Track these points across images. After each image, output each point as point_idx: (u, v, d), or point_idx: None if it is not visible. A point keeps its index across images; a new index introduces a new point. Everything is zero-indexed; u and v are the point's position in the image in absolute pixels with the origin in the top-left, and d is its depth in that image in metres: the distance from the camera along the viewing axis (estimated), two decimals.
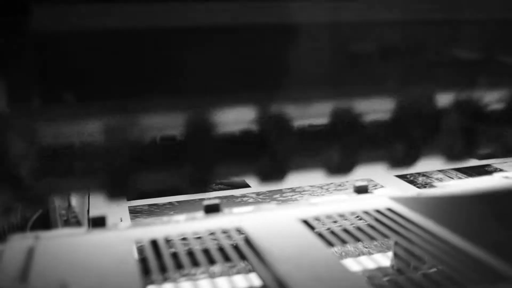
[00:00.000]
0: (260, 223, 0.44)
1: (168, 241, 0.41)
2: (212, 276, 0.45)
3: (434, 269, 0.40)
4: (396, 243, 0.42)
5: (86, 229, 0.44)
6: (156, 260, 0.39)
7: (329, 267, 0.36)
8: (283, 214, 0.46)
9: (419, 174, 0.84)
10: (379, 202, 0.48)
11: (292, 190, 0.76)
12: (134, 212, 0.67)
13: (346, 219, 0.45)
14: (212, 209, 0.47)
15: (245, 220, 0.44)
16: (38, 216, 0.56)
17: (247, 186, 0.80)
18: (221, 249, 0.41)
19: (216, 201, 0.47)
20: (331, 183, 0.77)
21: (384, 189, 0.55)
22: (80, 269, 0.36)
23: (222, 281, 0.44)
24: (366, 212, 0.46)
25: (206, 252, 0.41)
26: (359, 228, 0.43)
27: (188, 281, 0.42)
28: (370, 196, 0.50)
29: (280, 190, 0.76)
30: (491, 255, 0.36)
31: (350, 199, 0.49)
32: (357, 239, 0.42)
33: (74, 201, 0.57)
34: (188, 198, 0.75)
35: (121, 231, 0.43)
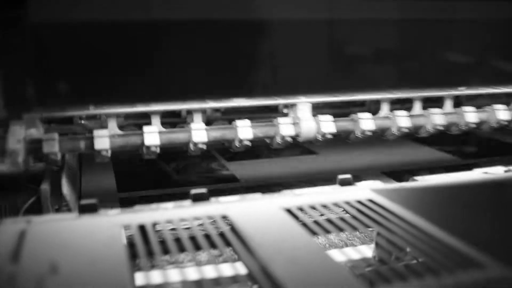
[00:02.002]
0: (245, 211, 0.45)
1: (155, 225, 0.43)
2: (199, 264, 0.47)
3: (414, 260, 0.42)
4: (378, 233, 0.44)
5: (76, 215, 0.45)
6: (143, 244, 0.40)
7: (310, 252, 0.38)
8: (267, 203, 0.47)
9: (406, 171, 0.86)
10: (361, 193, 0.50)
11: (280, 184, 0.78)
12: (126, 203, 0.68)
13: (328, 209, 0.47)
14: (199, 198, 0.48)
15: (231, 208, 0.46)
16: (30, 205, 0.58)
17: (236, 180, 0.82)
18: (207, 236, 0.43)
19: (203, 190, 0.49)
20: (318, 178, 0.78)
21: (367, 182, 0.57)
22: (70, 251, 0.38)
23: (208, 269, 0.46)
24: (348, 203, 0.47)
25: (192, 238, 0.43)
26: (341, 218, 0.45)
27: (173, 266, 0.44)
28: (353, 188, 0.52)
29: (268, 184, 0.78)
30: (464, 243, 0.38)
31: (333, 191, 0.51)
32: (338, 227, 0.43)
33: (66, 189, 0.58)
34: (178, 191, 0.76)
35: (111, 217, 0.44)
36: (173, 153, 0.99)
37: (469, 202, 0.42)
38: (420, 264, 0.38)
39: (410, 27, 0.75)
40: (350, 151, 1.01)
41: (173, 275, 0.44)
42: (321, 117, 0.78)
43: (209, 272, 0.44)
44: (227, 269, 0.46)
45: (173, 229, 0.43)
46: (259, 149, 1.02)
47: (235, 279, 0.43)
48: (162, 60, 0.47)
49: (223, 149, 1.01)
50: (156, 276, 0.41)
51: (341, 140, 1.11)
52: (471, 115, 0.88)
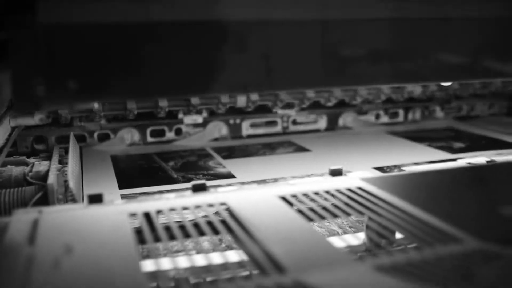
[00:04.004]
0: (242, 199, 0.48)
1: (159, 213, 0.46)
2: (202, 251, 0.50)
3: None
4: (369, 218, 0.47)
5: (84, 205, 0.48)
6: (149, 230, 0.43)
7: (302, 232, 0.41)
8: (263, 192, 0.50)
9: (395, 166, 0.89)
10: (351, 182, 0.53)
11: (275, 180, 0.81)
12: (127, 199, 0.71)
13: (320, 196, 0.50)
14: (199, 188, 0.52)
15: (229, 196, 0.49)
16: (37, 200, 0.60)
17: (233, 176, 0.85)
18: (209, 222, 0.46)
19: (203, 181, 0.52)
20: (312, 174, 0.81)
21: (357, 172, 0.60)
22: (81, 236, 0.41)
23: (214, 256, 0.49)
24: (339, 190, 0.51)
25: (196, 225, 0.46)
26: (332, 204, 0.48)
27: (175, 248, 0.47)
28: (344, 178, 0.55)
29: (264, 180, 0.81)
30: (445, 222, 0.41)
31: (325, 180, 0.54)
32: (329, 212, 0.46)
33: (72, 183, 0.61)
34: (177, 187, 0.79)
35: (117, 206, 0.47)
36: (171, 152, 1.02)
37: (449, 186, 0.45)
38: (405, 242, 0.41)
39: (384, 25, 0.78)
40: (342, 148, 1.04)
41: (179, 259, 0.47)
42: None
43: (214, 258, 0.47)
44: (229, 255, 0.49)
45: (173, 210, 0.46)
46: (255, 147, 1.06)
47: (238, 264, 0.46)
48: (161, 59, 0.51)
49: (219, 148, 1.04)
50: (163, 261, 0.45)
51: (333, 138, 1.15)
52: None
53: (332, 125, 1.22)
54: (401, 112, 1.28)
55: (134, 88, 0.50)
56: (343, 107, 1.22)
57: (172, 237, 0.45)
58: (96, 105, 0.63)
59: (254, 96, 1.10)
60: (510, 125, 1.21)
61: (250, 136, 1.15)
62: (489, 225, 0.38)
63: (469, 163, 0.60)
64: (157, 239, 0.44)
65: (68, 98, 0.49)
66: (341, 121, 1.22)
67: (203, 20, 0.51)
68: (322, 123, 1.21)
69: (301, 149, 1.04)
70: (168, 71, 0.51)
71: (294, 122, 1.19)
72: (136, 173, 0.89)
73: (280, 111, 1.17)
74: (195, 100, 1.07)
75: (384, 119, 1.26)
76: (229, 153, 1.01)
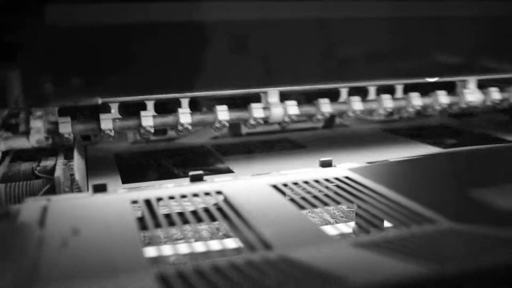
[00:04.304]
0: (236, 187, 0.52)
1: (159, 200, 0.49)
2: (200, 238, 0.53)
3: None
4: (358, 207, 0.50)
5: (90, 194, 0.52)
6: (149, 216, 0.47)
7: (290, 216, 0.44)
8: (256, 181, 0.54)
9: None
10: (339, 172, 0.56)
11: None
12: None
13: (309, 184, 0.53)
14: (196, 178, 0.55)
15: (224, 185, 0.53)
16: (45, 191, 0.64)
17: (231, 171, 0.88)
18: (206, 210, 0.49)
19: (200, 172, 0.56)
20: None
21: (346, 164, 0.63)
22: (87, 220, 0.44)
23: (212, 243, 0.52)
24: (327, 179, 0.54)
25: (193, 212, 0.49)
26: (319, 190, 0.52)
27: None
28: (333, 168, 0.59)
29: (261, 174, 0.84)
30: (421, 205, 0.45)
31: (314, 171, 0.58)
32: (318, 199, 0.50)
33: (77, 176, 0.64)
34: (177, 182, 0.83)
35: (120, 194, 0.51)
36: (172, 149, 1.05)
37: (428, 173, 0.48)
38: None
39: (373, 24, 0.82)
40: (338, 144, 1.08)
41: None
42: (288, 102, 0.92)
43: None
44: (226, 243, 0.53)
45: (172, 198, 0.50)
46: (253, 144, 1.09)
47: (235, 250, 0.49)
48: (158, 58, 0.54)
49: (219, 146, 1.08)
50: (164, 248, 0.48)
51: (330, 135, 1.18)
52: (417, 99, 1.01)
53: (329, 123, 1.25)
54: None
55: (132, 85, 0.53)
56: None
57: (171, 223, 0.48)
58: (99, 101, 0.67)
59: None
60: (504, 123, 1.24)
61: (249, 134, 1.19)
62: (461, 208, 0.42)
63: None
64: (157, 224, 0.47)
65: (73, 94, 0.52)
66: (338, 119, 1.26)
67: (203, 21, 0.55)
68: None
69: (298, 146, 1.08)
70: (162, 69, 0.54)
71: (291, 120, 1.22)
72: (139, 169, 0.93)
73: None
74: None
75: (380, 117, 1.29)
76: (228, 150, 1.05)
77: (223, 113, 0.89)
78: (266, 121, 0.91)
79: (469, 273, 0.27)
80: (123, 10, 0.50)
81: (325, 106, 0.97)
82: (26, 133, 0.69)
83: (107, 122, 0.75)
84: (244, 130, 1.17)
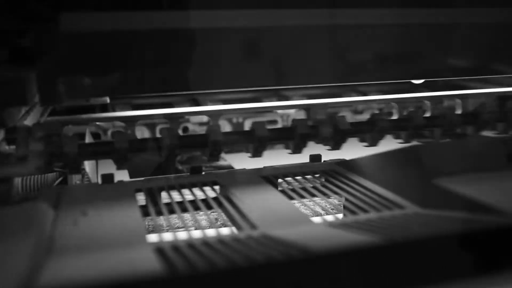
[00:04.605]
0: (230, 178, 0.57)
1: (160, 189, 0.55)
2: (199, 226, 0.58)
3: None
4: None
5: (98, 183, 0.57)
6: (151, 203, 0.52)
7: (276, 202, 0.50)
8: (249, 173, 0.59)
9: None
10: (327, 166, 0.62)
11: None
12: None
13: (298, 176, 0.58)
14: (196, 171, 0.60)
15: (219, 176, 0.58)
16: (58, 183, 0.70)
17: (231, 167, 0.94)
18: (204, 200, 0.54)
19: (199, 165, 0.61)
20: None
21: (334, 159, 0.68)
22: (95, 203, 0.50)
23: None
24: (314, 172, 0.59)
25: (192, 202, 0.54)
26: (304, 177, 0.57)
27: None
28: (321, 163, 0.64)
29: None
30: (393, 193, 0.50)
31: (304, 165, 0.63)
32: (304, 189, 0.55)
33: (88, 169, 0.70)
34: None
35: (125, 184, 0.57)
36: None
37: (400, 164, 0.53)
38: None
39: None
40: None
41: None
42: None
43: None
44: (223, 231, 0.58)
45: (173, 188, 0.55)
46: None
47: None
48: (163, 60, 0.60)
49: None
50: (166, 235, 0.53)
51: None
52: None
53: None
54: (395, 112, 1.35)
55: (139, 85, 0.59)
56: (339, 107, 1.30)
57: (172, 211, 0.54)
58: (108, 100, 0.73)
59: None
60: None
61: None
62: (427, 195, 0.47)
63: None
64: (159, 211, 0.53)
65: (84, 93, 0.58)
66: None
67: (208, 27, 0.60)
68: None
69: None
70: (169, 70, 0.60)
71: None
72: (146, 167, 0.98)
73: (280, 111, 1.26)
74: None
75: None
76: (230, 148, 1.10)
77: None
78: None
79: (412, 242, 0.32)
80: (127, 18, 0.56)
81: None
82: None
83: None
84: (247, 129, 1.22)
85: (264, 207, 0.48)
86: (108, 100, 0.77)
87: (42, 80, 0.58)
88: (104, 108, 1.01)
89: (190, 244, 0.39)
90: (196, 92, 0.86)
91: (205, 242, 0.39)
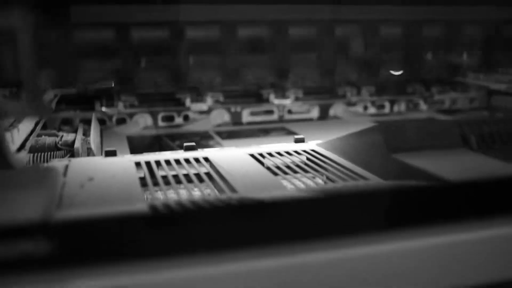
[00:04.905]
0: (220, 155, 0.64)
1: (158, 163, 0.62)
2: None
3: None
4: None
5: (102, 157, 0.64)
6: (148, 173, 0.59)
7: (259, 174, 0.56)
8: (237, 151, 0.66)
9: None
10: (308, 146, 0.68)
11: None
12: None
13: (280, 154, 0.65)
14: (189, 148, 0.67)
15: (210, 153, 0.65)
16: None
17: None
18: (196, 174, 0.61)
19: (193, 143, 0.68)
20: None
21: (316, 141, 0.74)
22: (100, 172, 0.57)
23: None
24: (296, 151, 0.66)
25: (185, 175, 0.61)
26: (286, 152, 0.63)
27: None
28: (304, 144, 0.71)
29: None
30: (363, 169, 0.56)
31: (288, 145, 0.70)
32: (287, 167, 0.61)
33: (93, 147, 0.77)
34: None
35: (126, 158, 0.63)
36: (179, 134, 1.18)
37: (369, 142, 0.60)
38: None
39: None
40: (329, 133, 1.19)
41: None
42: None
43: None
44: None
45: (168, 163, 0.62)
46: (252, 131, 1.21)
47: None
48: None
49: (220, 132, 1.20)
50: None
51: (323, 125, 1.29)
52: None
53: (324, 115, 1.37)
54: (387, 104, 1.42)
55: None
56: (334, 99, 1.37)
57: (167, 182, 0.60)
58: (112, 84, 0.79)
59: None
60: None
61: (249, 123, 1.31)
62: (389, 168, 0.53)
63: None
64: (155, 183, 0.60)
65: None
66: (332, 112, 1.37)
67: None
68: (315, 112, 1.36)
69: (291, 132, 1.19)
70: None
71: (289, 112, 1.34)
72: (147, 150, 1.05)
73: (276, 101, 1.32)
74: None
75: (372, 110, 1.40)
76: (229, 135, 1.17)
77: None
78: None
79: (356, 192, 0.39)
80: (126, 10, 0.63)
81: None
82: None
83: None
84: (245, 119, 1.30)
85: (247, 178, 0.55)
86: (112, 84, 0.83)
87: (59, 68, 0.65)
88: (110, 94, 1.09)
89: (178, 201, 0.46)
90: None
91: (191, 200, 0.46)
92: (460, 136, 0.55)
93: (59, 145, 0.84)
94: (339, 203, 0.37)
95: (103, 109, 1.17)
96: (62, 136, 0.88)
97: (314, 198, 0.39)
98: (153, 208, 0.43)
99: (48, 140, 0.86)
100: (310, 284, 0.34)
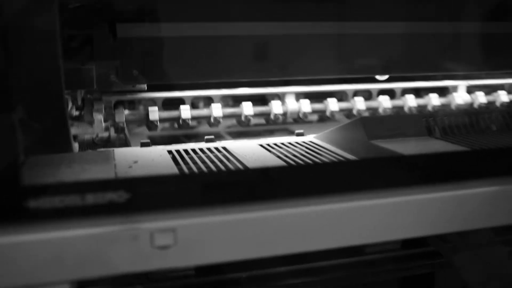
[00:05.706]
0: (236, 145, 0.79)
1: (185, 150, 0.76)
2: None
3: None
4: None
5: (139, 148, 0.79)
6: (179, 157, 0.74)
7: (265, 157, 0.71)
8: (249, 141, 0.81)
9: None
10: (307, 138, 0.83)
11: None
12: None
13: (284, 145, 0.80)
14: (209, 140, 0.82)
15: (227, 144, 0.80)
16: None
17: None
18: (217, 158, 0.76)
19: (212, 136, 0.83)
20: None
21: (314, 134, 0.89)
22: (140, 157, 0.71)
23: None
24: (297, 142, 0.81)
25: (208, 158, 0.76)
26: (289, 143, 0.78)
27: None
28: (303, 137, 0.86)
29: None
30: (347, 153, 0.71)
31: (290, 138, 0.85)
32: (290, 153, 0.76)
33: (128, 135, 0.92)
34: None
35: (159, 147, 0.78)
36: (192, 134, 1.33)
37: (353, 132, 0.75)
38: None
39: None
40: (322, 131, 1.34)
41: None
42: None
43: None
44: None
45: (195, 151, 0.77)
46: (259, 131, 1.36)
47: None
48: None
49: (230, 132, 1.35)
50: None
51: (322, 127, 1.43)
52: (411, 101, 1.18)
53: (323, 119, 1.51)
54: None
55: (182, 73, 0.82)
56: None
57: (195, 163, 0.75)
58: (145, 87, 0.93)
59: None
60: None
61: (256, 125, 1.45)
62: (367, 151, 0.68)
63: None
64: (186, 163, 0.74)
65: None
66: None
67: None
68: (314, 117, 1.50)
69: (293, 133, 1.34)
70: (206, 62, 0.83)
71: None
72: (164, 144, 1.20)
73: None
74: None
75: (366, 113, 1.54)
76: (238, 135, 1.31)
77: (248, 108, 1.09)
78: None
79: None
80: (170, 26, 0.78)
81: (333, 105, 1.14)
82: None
83: (154, 114, 0.98)
84: (252, 122, 1.44)
85: (256, 159, 0.70)
86: (145, 87, 0.96)
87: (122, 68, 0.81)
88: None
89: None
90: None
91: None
92: (425, 127, 0.70)
93: (96, 141, 0.99)
94: (322, 171, 0.52)
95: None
96: (97, 134, 1.03)
97: (305, 167, 0.54)
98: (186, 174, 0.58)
99: (86, 137, 1.01)
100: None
